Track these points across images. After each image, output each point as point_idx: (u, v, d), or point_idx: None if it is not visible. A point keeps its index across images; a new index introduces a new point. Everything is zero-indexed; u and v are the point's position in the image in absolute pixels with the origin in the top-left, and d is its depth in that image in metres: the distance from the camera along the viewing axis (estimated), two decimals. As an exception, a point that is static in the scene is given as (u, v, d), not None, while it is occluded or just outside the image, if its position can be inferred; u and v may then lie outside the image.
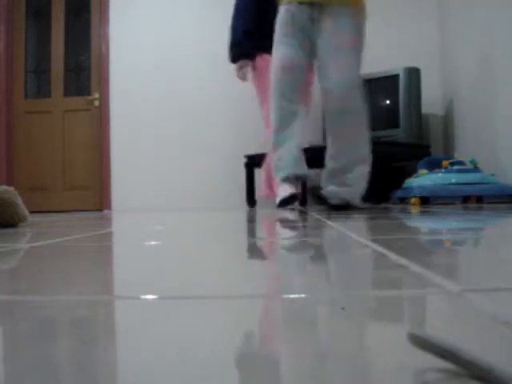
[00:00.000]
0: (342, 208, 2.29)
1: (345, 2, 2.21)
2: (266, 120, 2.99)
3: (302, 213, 2.13)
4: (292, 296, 0.41)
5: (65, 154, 4.39)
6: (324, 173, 2.38)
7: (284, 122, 2.30)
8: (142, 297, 0.42)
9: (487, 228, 1.08)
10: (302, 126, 2.31)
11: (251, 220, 1.72)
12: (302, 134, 2.32)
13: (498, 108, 2.97)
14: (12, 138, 4.40)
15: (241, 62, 3.03)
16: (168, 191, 4.26)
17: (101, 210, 4.30)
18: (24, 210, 1.59)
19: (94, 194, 4.36)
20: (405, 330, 0.29)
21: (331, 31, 2.20)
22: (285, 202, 2.30)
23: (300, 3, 2.23)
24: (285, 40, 2.27)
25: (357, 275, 0.50)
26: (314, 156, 2.70)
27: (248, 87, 3.68)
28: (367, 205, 2.48)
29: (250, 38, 2.94)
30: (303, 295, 0.41)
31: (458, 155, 3.43)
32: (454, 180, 2.83)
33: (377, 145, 3.36)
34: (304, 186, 3.94)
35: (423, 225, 1.23)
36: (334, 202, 2.31)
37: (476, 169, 2.89)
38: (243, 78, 3.09)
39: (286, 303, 0.39)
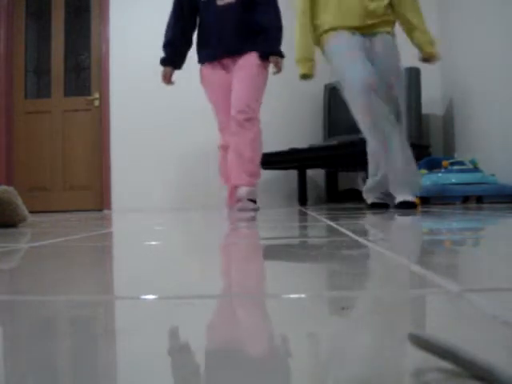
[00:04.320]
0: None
1: (387, 29, 2.45)
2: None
3: (302, 213, 2.13)
4: (292, 296, 0.41)
5: (65, 154, 4.39)
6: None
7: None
8: (142, 297, 0.42)
9: (487, 228, 1.08)
10: None
11: (247, 219, 1.72)
12: None
13: (498, 108, 2.97)
14: (12, 137, 4.39)
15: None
16: (168, 191, 4.25)
17: (101, 210, 4.29)
18: (24, 210, 1.59)
19: (94, 194, 4.36)
20: (405, 330, 0.29)
21: (383, 58, 2.43)
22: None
23: (353, 33, 2.37)
24: (359, 61, 2.32)
25: (356, 275, 0.50)
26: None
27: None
28: None
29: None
30: (303, 295, 0.41)
31: (458, 155, 3.43)
32: (454, 180, 2.82)
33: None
34: (304, 186, 3.94)
35: (423, 225, 1.23)
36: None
37: (476, 169, 2.89)
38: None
39: (285, 303, 0.39)
